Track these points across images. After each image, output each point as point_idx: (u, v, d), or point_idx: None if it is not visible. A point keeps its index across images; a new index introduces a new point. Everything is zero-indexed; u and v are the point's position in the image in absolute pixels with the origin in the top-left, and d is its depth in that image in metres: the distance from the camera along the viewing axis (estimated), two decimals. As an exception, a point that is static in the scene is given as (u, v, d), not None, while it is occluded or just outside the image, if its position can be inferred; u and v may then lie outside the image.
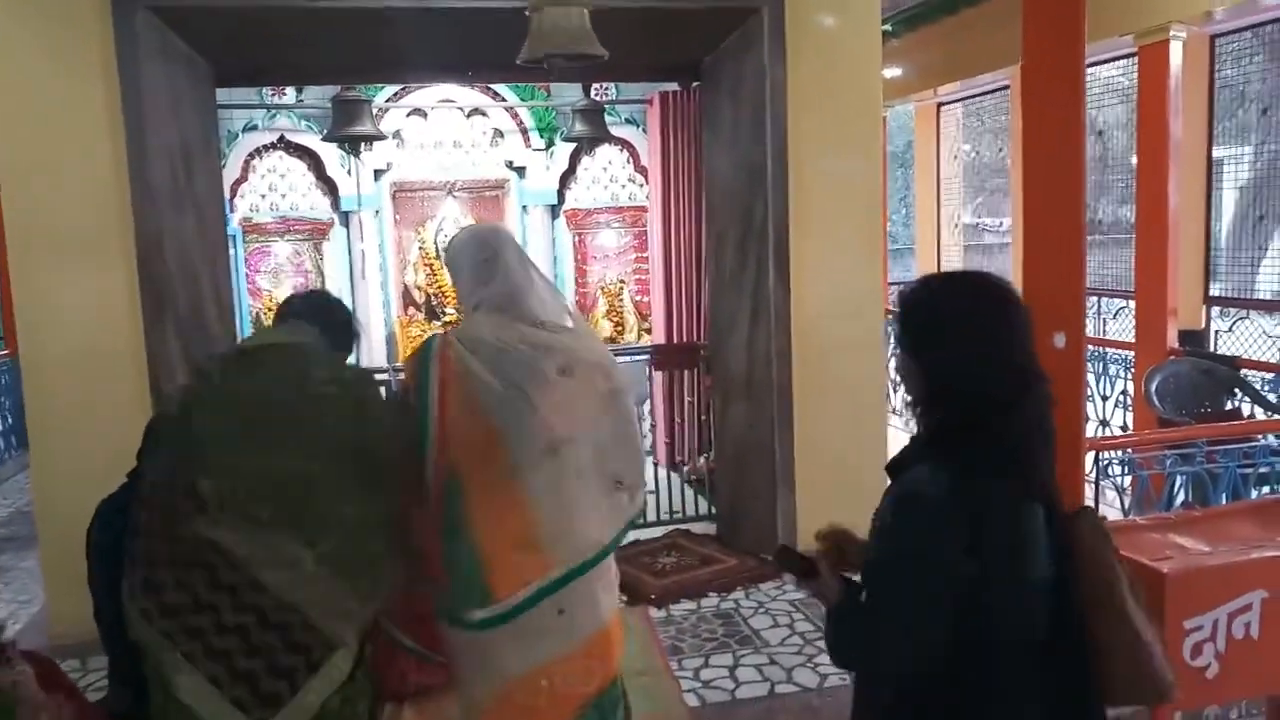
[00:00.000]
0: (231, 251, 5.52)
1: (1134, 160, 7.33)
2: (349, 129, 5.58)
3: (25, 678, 2.16)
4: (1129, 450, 3.93)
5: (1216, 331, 7.86)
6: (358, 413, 1.98)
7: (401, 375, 2.42)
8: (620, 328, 7.21)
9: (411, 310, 6.99)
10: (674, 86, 6.08)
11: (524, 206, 7.04)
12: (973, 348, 1.53)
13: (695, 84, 5.26)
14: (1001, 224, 12.22)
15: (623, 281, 7.28)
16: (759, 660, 3.56)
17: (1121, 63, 8.20)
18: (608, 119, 6.53)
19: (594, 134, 6.30)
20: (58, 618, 3.91)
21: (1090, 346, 6.11)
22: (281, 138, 6.60)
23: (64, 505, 3.67)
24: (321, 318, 2.24)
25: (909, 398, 1.62)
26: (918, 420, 1.60)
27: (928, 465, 1.52)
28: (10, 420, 7.76)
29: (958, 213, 12.00)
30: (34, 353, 3.92)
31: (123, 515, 3.17)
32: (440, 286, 6.89)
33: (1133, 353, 5.42)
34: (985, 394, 1.51)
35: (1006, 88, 9.88)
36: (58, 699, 2.20)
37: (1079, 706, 1.62)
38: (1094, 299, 9.93)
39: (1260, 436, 4.08)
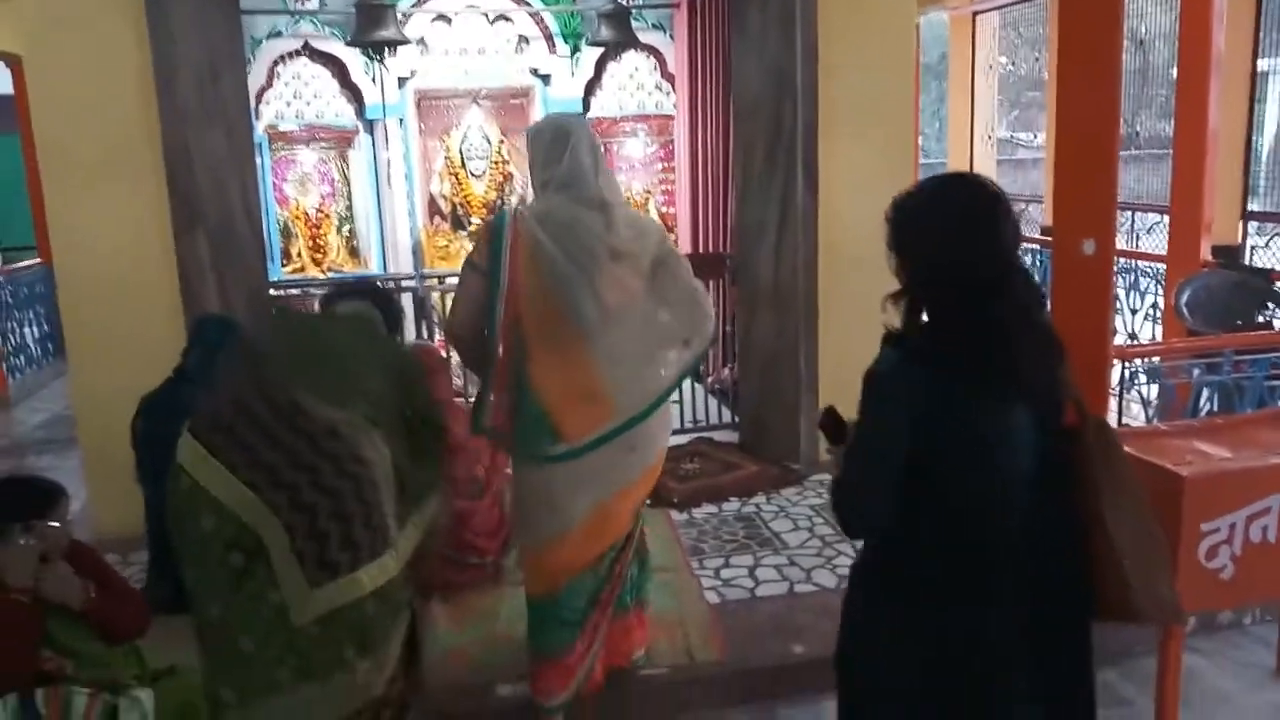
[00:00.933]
0: (257, 160, 5.52)
1: (1175, 73, 7.13)
2: (374, 33, 5.51)
3: (54, 537, 2.28)
4: (1155, 360, 3.91)
5: (1253, 247, 7.74)
6: (415, 371, 2.21)
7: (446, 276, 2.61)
8: (646, 238, 7.18)
9: (438, 220, 6.99)
10: (703, -11, 5.95)
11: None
12: (943, 247, 1.65)
13: (725, -14, 5.14)
14: (1036, 138, 11.98)
15: (648, 192, 7.23)
16: (778, 561, 3.64)
17: (1169, -32, 7.93)
18: (634, 24, 6.41)
19: (620, 39, 6.19)
20: (98, 515, 4.06)
21: (1121, 259, 6.03)
22: (306, 44, 6.53)
23: (102, 408, 3.79)
24: (380, 303, 2.39)
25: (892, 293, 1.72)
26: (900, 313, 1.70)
27: (888, 348, 1.68)
28: (46, 328, 7.90)
29: (992, 127, 11.75)
30: (68, 264, 3.99)
31: (166, 407, 3.28)
32: (466, 195, 6.88)
33: (1164, 266, 5.35)
34: (949, 292, 1.64)
35: (1047, -7, 9.59)
36: (87, 584, 2.31)
37: (1055, 612, 1.70)
38: (1129, 214, 9.77)
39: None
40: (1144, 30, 8.51)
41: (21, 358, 7.57)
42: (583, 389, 2.50)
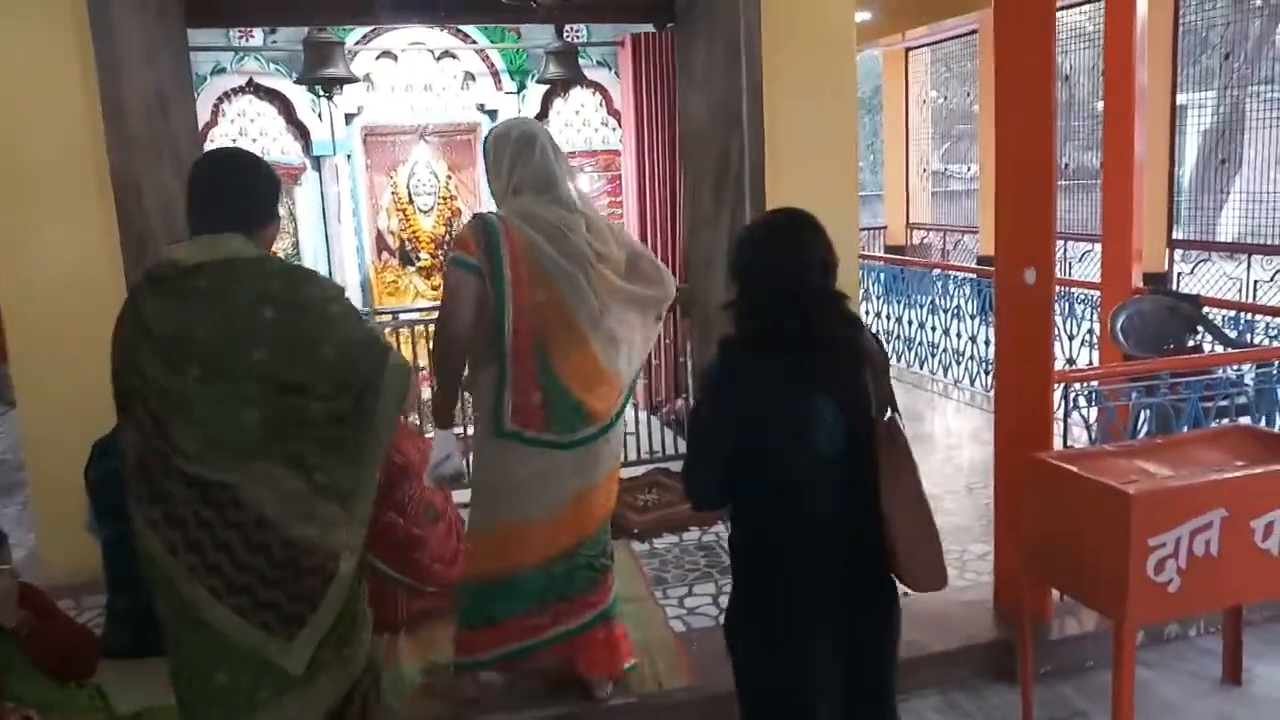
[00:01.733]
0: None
1: (1099, 106, 7.43)
2: (322, 71, 5.52)
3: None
4: (1096, 383, 4.06)
5: (1179, 274, 8.05)
6: (336, 338, 1.87)
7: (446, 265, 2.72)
8: (595, 273, 7.22)
9: (385, 255, 6.97)
10: (648, 28, 6.06)
11: (497, 151, 7.00)
12: (753, 259, 2.00)
13: (670, 24, 5.25)
14: (970, 170, 12.33)
15: (596, 227, 7.29)
16: (740, 588, 3.68)
17: (1087, 8, 8.27)
18: (580, 61, 6.50)
19: (568, 76, 6.27)
20: (48, 558, 3.97)
21: (1058, 287, 6.24)
22: (250, 81, 6.50)
23: (52, 450, 3.72)
24: (240, 203, 1.99)
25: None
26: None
27: (718, 350, 2.03)
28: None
29: (926, 159, 12.08)
30: (17, 305, 3.91)
31: (114, 454, 3.22)
32: (414, 231, 6.87)
33: (1099, 293, 5.55)
34: (758, 299, 1.98)
35: (975, 32, 9.92)
36: (27, 615, 2.27)
37: (862, 572, 2.01)
38: (1060, 243, 10.08)
39: (1220, 369, 4.23)
40: (1068, 66, 8.86)
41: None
42: (594, 373, 2.72)
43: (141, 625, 3.20)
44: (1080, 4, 8.28)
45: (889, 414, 2.01)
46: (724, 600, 3.55)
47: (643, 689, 3.01)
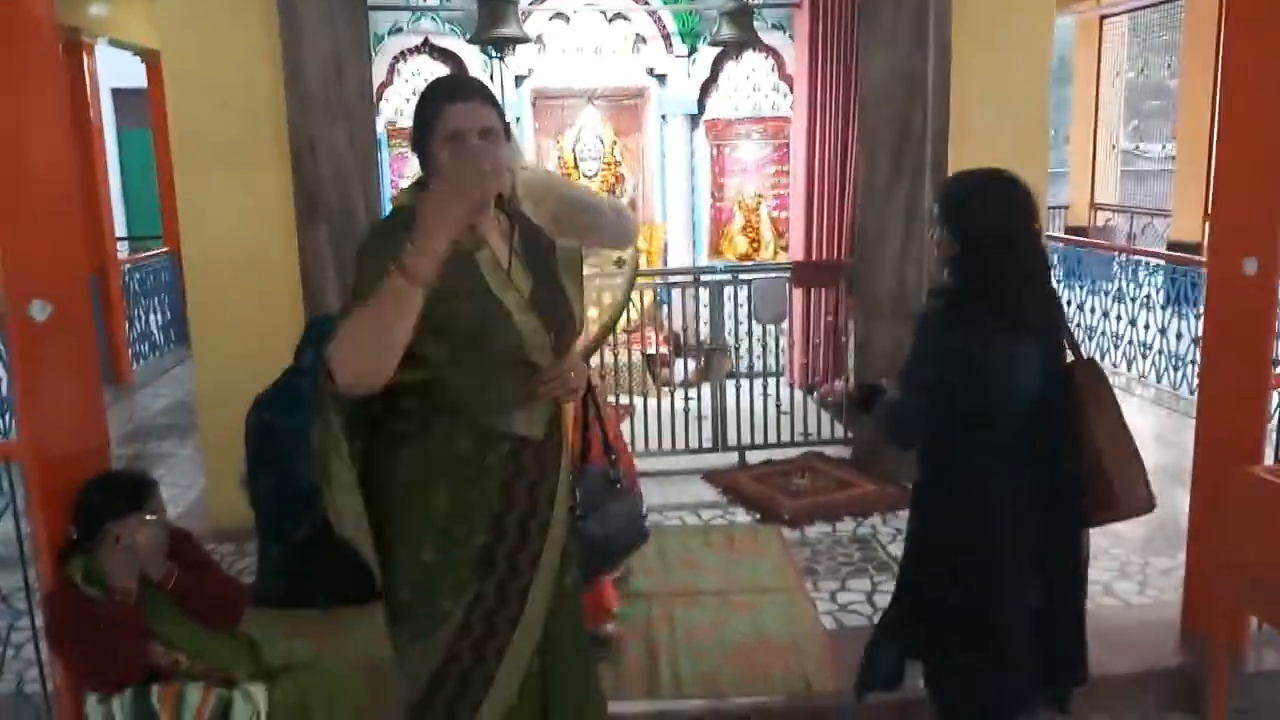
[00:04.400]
0: (378, 155, 5.56)
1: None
2: (495, 31, 5.49)
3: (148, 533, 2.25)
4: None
5: None
6: None
7: None
8: (756, 244, 7.02)
9: (548, 219, 6.97)
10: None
11: (663, 115, 6.87)
12: (982, 222, 2.14)
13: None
14: (1165, 148, 11.40)
15: (760, 195, 7.07)
16: (897, 587, 3.47)
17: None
18: (754, 24, 6.27)
19: (742, 38, 6.05)
20: (217, 504, 4.12)
21: None
22: (426, 41, 6.58)
23: (223, 395, 3.85)
24: None
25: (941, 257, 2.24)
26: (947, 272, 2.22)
27: (931, 298, 2.30)
28: (169, 315, 8.17)
29: (1116, 136, 11.26)
30: (195, 254, 4.07)
31: (283, 400, 3.30)
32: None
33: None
34: (981, 255, 2.12)
35: (1176, 0, 9.10)
36: (171, 566, 2.30)
37: (1056, 505, 2.19)
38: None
39: None
40: None
41: (146, 344, 7.84)
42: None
43: (295, 575, 3.29)
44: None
45: (1088, 356, 2.29)
46: (880, 599, 3.39)
47: (788, 688, 2.85)
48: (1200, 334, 6.28)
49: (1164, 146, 11.57)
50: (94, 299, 6.37)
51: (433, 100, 1.78)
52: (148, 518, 2.28)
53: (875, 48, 4.66)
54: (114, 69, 8.26)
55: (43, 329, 2.39)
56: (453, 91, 1.80)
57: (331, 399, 1.69)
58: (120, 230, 8.68)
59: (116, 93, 9.43)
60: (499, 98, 1.88)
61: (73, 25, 6.60)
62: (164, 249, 8.36)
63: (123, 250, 8.71)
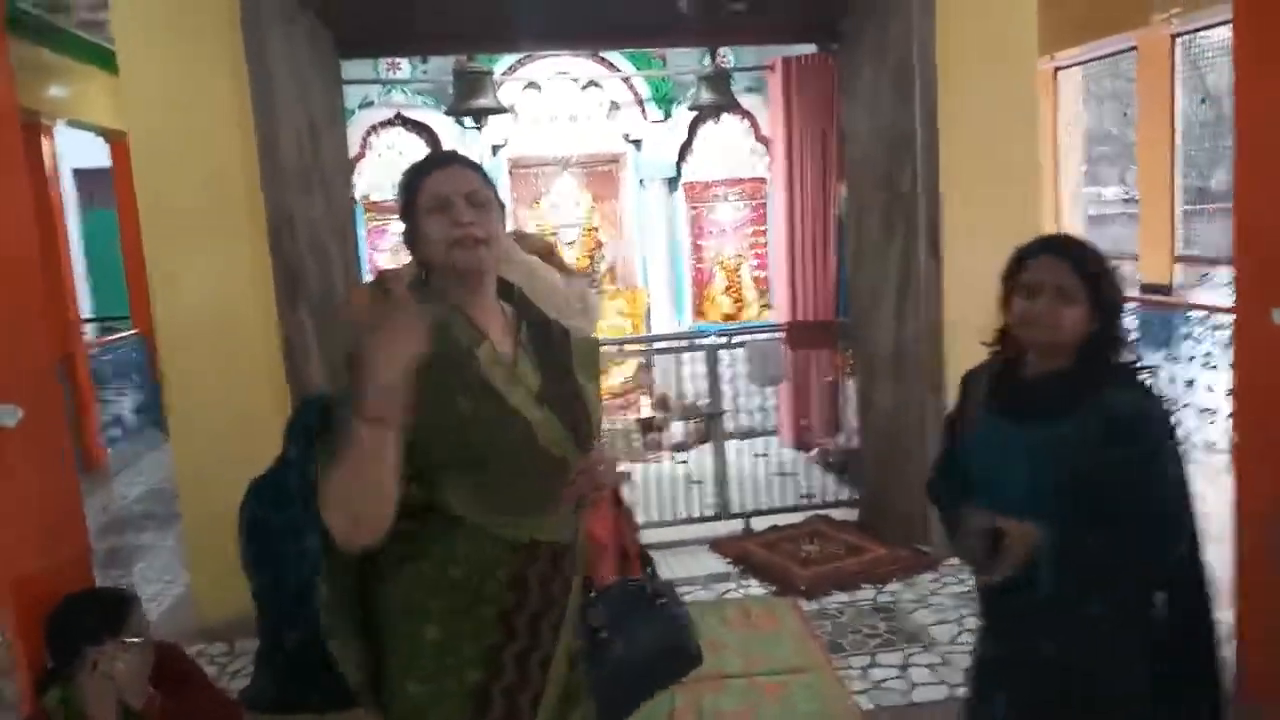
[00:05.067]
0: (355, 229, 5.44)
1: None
2: (472, 102, 5.45)
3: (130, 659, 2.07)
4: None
5: None
6: None
7: None
8: (739, 304, 6.96)
9: (527, 288, 6.86)
10: (802, 49, 5.79)
11: (640, 180, 6.83)
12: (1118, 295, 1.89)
13: (834, 45, 4.95)
14: (1127, 192, 11.59)
15: (740, 256, 7.03)
16: (930, 659, 3.30)
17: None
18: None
19: (720, 101, 6.06)
20: (203, 599, 3.88)
21: None
22: (398, 114, 6.51)
23: (204, 480, 3.66)
24: None
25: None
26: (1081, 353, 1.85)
27: (1125, 389, 1.83)
28: (142, 398, 7.93)
29: (1078, 182, 11.41)
30: (170, 331, 3.86)
31: (272, 493, 3.10)
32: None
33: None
34: (1120, 329, 1.87)
35: (1131, 49, 9.26)
36: (154, 694, 2.11)
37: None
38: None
39: None
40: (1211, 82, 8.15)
41: (118, 428, 7.58)
42: None
43: (287, 677, 3.06)
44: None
45: None
46: (915, 673, 3.22)
47: (830, 777, 2.68)
48: (1190, 378, 6.31)
49: (1126, 191, 11.75)
50: (63, 385, 6.16)
51: (417, 171, 1.70)
52: (127, 640, 2.09)
53: (857, 108, 4.64)
54: (75, 149, 8.11)
55: (12, 435, 2.22)
56: (434, 160, 1.76)
57: (340, 564, 1.58)
58: (86, 312, 8.47)
59: (79, 173, 9.28)
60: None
61: (32, 108, 6.44)
62: (133, 330, 8.13)
63: (90, 332, 8.47)
